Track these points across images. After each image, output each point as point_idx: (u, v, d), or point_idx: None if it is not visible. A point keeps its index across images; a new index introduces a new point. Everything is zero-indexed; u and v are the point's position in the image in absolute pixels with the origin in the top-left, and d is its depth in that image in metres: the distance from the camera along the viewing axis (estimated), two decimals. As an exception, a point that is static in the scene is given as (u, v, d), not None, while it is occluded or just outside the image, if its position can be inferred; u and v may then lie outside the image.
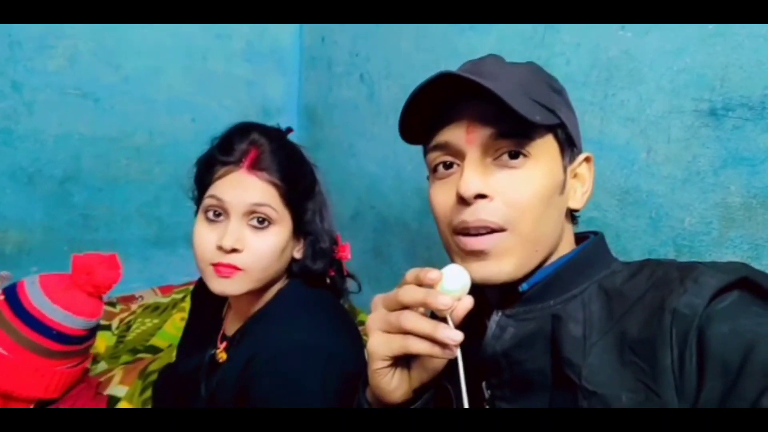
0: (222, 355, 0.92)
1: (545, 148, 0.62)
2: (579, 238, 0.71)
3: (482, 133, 0.60)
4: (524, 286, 0.62)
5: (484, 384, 0.65)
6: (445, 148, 0.63)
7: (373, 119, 1.68)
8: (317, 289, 0.95)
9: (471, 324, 0.64)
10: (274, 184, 0.85)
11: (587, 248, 0.66)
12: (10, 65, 1.54)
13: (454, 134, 0.62)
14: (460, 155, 0.62)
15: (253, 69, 1.98)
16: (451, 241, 0.64)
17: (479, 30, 1.28)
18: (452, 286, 0.55)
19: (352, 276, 1.02)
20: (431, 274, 0.54)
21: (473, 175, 0.59)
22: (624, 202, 1.00)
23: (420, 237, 1.52)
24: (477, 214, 0.59)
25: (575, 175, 0.67)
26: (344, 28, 1.80)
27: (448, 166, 0.64)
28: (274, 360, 0.80)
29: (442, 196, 0.64)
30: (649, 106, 0.94)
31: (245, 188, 0.84)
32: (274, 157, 0.86)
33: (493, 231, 0.59)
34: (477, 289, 0.60)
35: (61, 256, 1.55)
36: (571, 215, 0.70)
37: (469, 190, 0.58)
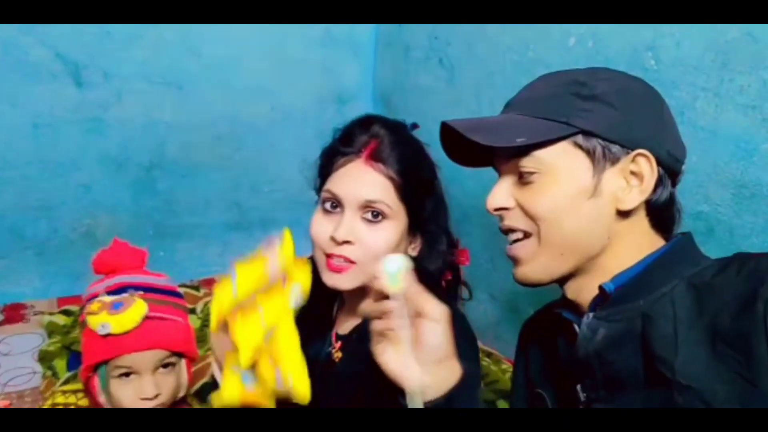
0: (338, 355, 0.92)
1: (561, 158, 0.66)
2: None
3: (501, 159, 0.72)
4: (610, 285, 0.64)
5: (579, 387, 0.69)
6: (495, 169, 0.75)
7: (452, 105, 1.63)
8: (433, 291, 0.92)
9: (562, 330, 0.72)
10: (391, 178, 0.84)
11: (673, 247, 0.67)
12: (102, 55, 1.60)
13: (496, 160, 0.74)
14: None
15: (329, 54, 1.97)
16: None
17: (572, 10, 1.20)
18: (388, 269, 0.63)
19: (465, 284, 1.00)
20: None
21: (494, 193, 0.71)
22: (739, 197, 0.92)
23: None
24: (504, 221, 0.71)
25: (631, 173, 0.65)
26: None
27: None
28: None
29: None
30: (774, 93, 0.86)
31: (361, 182, 0.84)
32: (392, 150, 0.85)
33: (522, 236, 0.69)
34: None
35: (147, 240, 1.60)
36: (650, 213, 0.68)
37: (489, 204, 0.71)
